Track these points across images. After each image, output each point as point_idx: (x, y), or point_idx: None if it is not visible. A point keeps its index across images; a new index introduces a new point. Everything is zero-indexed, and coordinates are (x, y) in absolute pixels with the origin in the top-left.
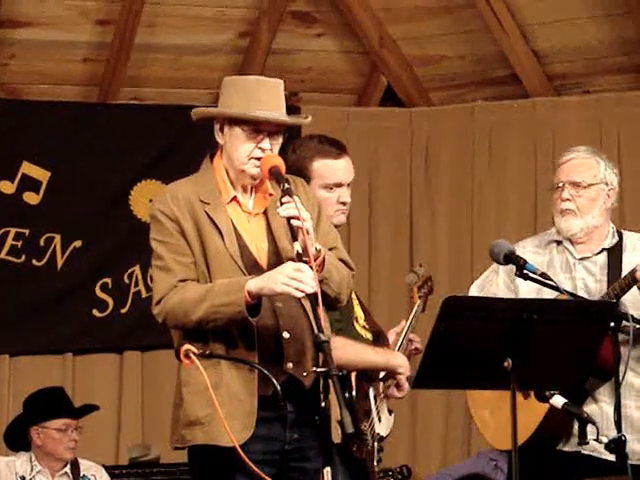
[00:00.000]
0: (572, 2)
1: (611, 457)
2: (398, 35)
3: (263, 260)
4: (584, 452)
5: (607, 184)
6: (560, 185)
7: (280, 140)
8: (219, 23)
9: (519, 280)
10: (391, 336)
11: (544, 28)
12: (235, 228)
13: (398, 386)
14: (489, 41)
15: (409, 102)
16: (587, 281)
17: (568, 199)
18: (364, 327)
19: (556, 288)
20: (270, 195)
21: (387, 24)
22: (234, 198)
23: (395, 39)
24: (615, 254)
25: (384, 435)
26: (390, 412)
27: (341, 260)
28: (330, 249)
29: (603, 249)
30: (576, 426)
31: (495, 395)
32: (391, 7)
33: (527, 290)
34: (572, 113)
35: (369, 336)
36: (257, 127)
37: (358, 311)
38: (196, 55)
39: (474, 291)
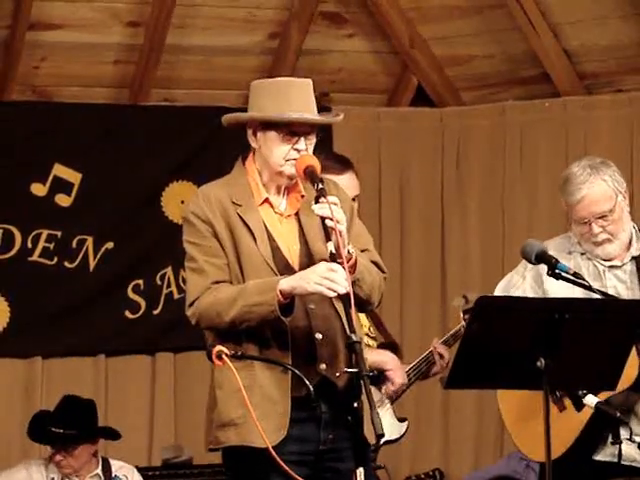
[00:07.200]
0: (603, 1)
1: None
2: (428, 35)
3: (295, 262)
4: (624, 463)
5: (620, 193)
6: (586, 221)
7: (314, 140)
8: (249, 24)
9: (548, 285)
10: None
11: (575, 27)
12: (267, 230)
13: (391, 382)
14: (520, 40)
15: (440, 102)
16: (619, 289)
17: (600, 232)
18: (367, 335)
19: (589, 287)
20: (302, 197)
21: (417, 24)
22: (266, 200)
23: (425, 39)
24: None
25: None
26: (402, 420)
27: (373, 262)
28: (362, 251)
29: (632, 257)
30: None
31: (528, 404)
32: (421, 7)
33: (556, 295)
34: (603, 112)
35: (372, 343)
36: (292, 129)
37: (362, 319)
38: (226, 56)
39: (498, 294)
